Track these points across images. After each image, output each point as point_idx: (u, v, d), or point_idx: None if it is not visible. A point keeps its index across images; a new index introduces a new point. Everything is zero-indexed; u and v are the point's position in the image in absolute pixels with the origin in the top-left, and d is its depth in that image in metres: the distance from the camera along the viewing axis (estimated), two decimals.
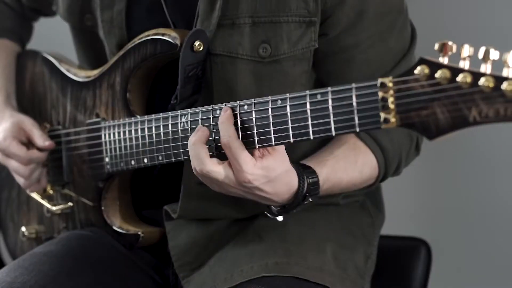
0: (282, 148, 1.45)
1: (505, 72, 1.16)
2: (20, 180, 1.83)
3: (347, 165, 1.59)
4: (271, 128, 1.43)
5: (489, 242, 2.39)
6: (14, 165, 1.80)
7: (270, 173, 1.44)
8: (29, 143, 1.80)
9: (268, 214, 1.56)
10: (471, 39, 1.27)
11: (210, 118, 1.50)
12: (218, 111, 1.49)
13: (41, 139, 1.79)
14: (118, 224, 1.75)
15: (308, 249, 1.64)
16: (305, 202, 1.51)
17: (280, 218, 1.56)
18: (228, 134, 1.43)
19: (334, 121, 1.34)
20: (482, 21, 2.29)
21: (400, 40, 1.64)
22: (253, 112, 1.44)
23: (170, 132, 1.57)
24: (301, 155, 1.64)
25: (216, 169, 1.45)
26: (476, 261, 2.41)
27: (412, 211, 2.49)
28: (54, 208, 1.83)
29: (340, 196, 1.74)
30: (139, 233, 1.73)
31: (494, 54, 1.18)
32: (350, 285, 1.65)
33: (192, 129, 1.52)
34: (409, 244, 1.95)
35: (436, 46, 1.24)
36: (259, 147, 1.44)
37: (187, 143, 1.54)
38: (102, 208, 1.75)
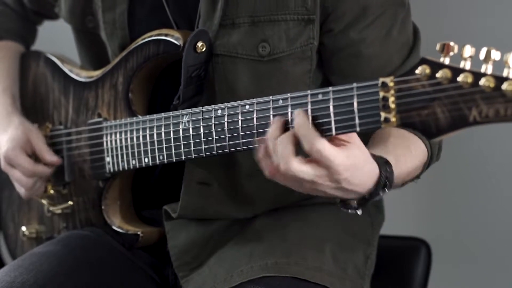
0: (356, 135, 1.36)
1: (506, 73, 1.16)
2: (21, 190, 1.83)
3: (404, 152, 1.51)
4: None
5: (489, 242, 2.39)
6: (17, 175, 1.80)
7: (356, 160, 1.34)
8: (32, 155, 1.80)
9: (343, 209, 1.45)
10: (472, 40, 1.27)
11: (211, 117, 1.50)
12: (219, 111, 1.49)
13: (48, 154, 1.79)
14: (117, 224, 1.75)
15: (307, 249, 1.64)
16: (386, 190, 1.41)
17: (359, 212, 1.44)
18: (309, 139, 1.33)
19: (334, 120, 1.33)
20: (483, 22, 2.29)
21: (403, 32, 1.63)
22: (255, 111, 1.44)
23: (172, 132, 1.58)
24: None
25: (303, 168, 1.33)
26: (476, 261, 2.41)
27: (412, 211, 2.48)
28: (54, 207, 1.84)
29: None
30: (138, 233, 1.74)
31: (496, 55, 1.18)
32: (349, 285, 1.65)
33: (194, 129, 1.53)
34: (409, 244, 1.95)
35: (438, 47, 1.24)
36: None
37: (188, 143, 1.55)
38: (103, 207, 1.76)
